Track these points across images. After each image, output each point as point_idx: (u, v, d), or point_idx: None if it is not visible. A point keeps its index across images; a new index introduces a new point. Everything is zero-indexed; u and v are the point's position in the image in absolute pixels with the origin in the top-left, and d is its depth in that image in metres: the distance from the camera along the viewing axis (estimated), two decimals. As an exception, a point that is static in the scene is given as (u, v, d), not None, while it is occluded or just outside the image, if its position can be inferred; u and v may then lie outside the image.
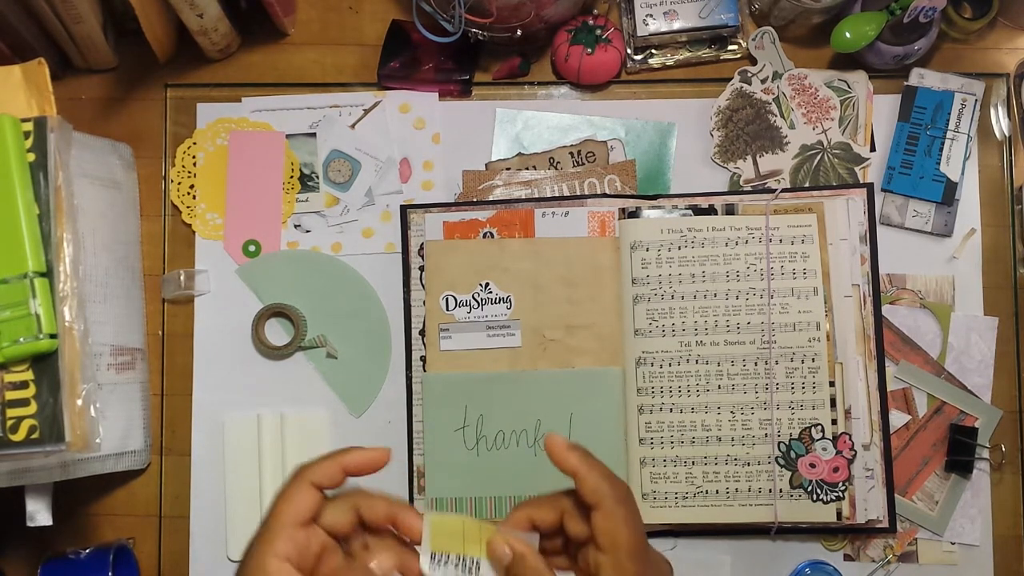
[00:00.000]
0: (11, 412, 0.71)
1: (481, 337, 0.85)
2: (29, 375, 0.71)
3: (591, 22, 0.88)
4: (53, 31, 0.87)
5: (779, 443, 0.82)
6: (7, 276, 0.71)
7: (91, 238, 0.82)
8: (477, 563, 0.54)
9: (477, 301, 0.85)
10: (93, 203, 0.83)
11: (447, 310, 0.86)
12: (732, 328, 0.83)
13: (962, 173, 0.88)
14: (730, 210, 0.85)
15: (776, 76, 0.90)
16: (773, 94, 0.90)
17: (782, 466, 0.82)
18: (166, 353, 0.90)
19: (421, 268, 0.87)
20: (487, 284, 0.86)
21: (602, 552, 0.53)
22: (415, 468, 0.85)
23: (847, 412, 0.83)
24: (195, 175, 0.91)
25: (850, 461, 0.82)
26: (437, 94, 0.91)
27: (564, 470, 0.55)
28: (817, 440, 0.82)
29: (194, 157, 0.91)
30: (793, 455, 0.82)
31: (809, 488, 0.82)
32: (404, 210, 0.88)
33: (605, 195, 0.87)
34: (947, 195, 0.88)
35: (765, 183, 0.89)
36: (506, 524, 0.55)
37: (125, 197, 0.89)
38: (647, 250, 0.85)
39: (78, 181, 0.78)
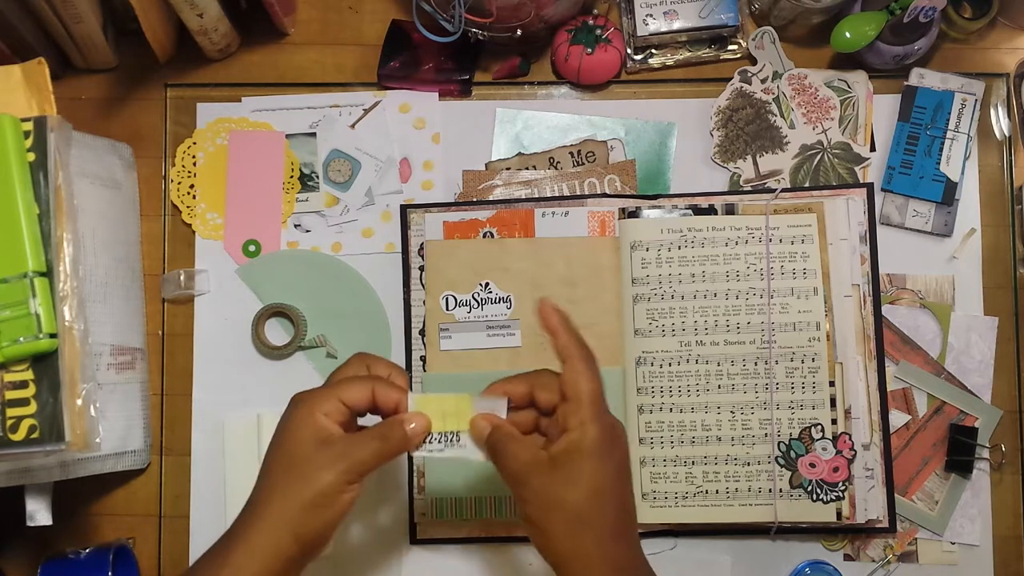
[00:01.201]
0: (11, 412, 0.71)
1: (481, 337, 0.85)
2: (29, 375, 0.71)
3: (591, 22, 0.88)
4: (53, 31, 0.86)
5: (779, 443, 0.82)
6: (7, 276, 0.71)
7: (91, 238, 0.81)
8: (457, 435, 0.64)
9: (477, 301, 0.85)
10: (93, 203, 0.83)
11: (447, 310, 0.86)
12: (732, 328, 0.83)
13: (962, 173, 0.88)
14: (730, 210, 0.85)
15: (776, 76, 0.90)
16: (773, 94, 0.90)
17: (782, 466, 0.82)
18: (166, 353, 0.90)
19: (421, 268, 0.87)
20: (487, 284, 0.86)
21: (567, 401, 0.60)
22: (415, 468, 0.85)
23: (847, 412, 0.83)
24: (195, 175, 0.91)
25: (850, 461, 0.82)
26: (437, 94, 0.91)
27: (546, 328, 0.62)
28: (817, 440, 0.82)
29: (194, 157, 0.91)
30: (793, 455, 0.82)
31: (809, 488, 0.82)
32: (404, 210, 0.88)
33: (605, 195, 0.87)
34: (947, 195, 0.88)
35: (765, 183, 0.89)
36: (482, 396, 0.64)
37: (125, 197, 0.89)
38: (647, 250, 0.84)
39: (78, 181, 0.78)
